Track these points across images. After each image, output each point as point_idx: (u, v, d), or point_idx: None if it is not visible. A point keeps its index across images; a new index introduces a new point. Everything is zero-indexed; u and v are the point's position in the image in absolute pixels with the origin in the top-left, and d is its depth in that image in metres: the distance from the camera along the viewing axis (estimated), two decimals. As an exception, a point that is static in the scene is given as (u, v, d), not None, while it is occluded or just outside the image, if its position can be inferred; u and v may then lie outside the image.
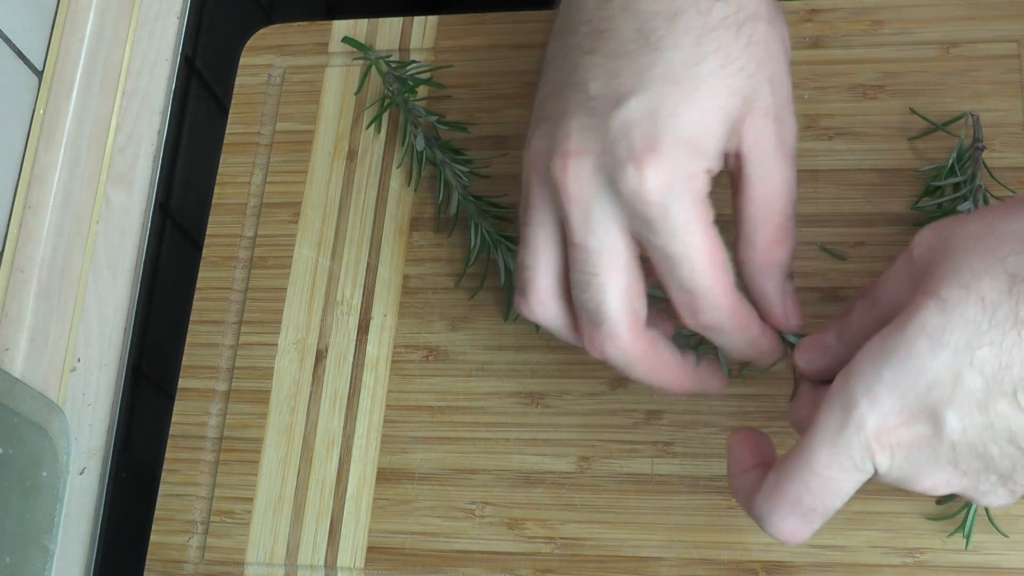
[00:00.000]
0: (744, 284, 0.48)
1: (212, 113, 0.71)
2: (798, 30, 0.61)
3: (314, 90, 0.66)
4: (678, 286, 0.45)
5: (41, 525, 0.60)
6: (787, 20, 0.61)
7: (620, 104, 0.44)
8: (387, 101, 0.63)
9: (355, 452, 0.58)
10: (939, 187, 0.56)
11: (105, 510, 0.61)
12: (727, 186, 0.49)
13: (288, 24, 0.68)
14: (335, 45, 0.67)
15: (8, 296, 0.64)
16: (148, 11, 0.70)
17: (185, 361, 0.62)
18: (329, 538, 0.57)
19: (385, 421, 0.59)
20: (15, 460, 0.58)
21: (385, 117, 0.64)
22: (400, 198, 0.63)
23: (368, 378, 0.60)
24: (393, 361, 0.60)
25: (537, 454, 0.57)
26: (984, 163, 0.56)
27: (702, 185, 0.45)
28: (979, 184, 0.55)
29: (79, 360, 0.64)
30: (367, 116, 0.65)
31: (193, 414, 0.61)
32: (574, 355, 0.58)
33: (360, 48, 0.63)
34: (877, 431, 0.40)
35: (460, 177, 0.61)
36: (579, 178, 0.45)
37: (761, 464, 0.45)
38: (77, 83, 0.67)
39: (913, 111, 0.59)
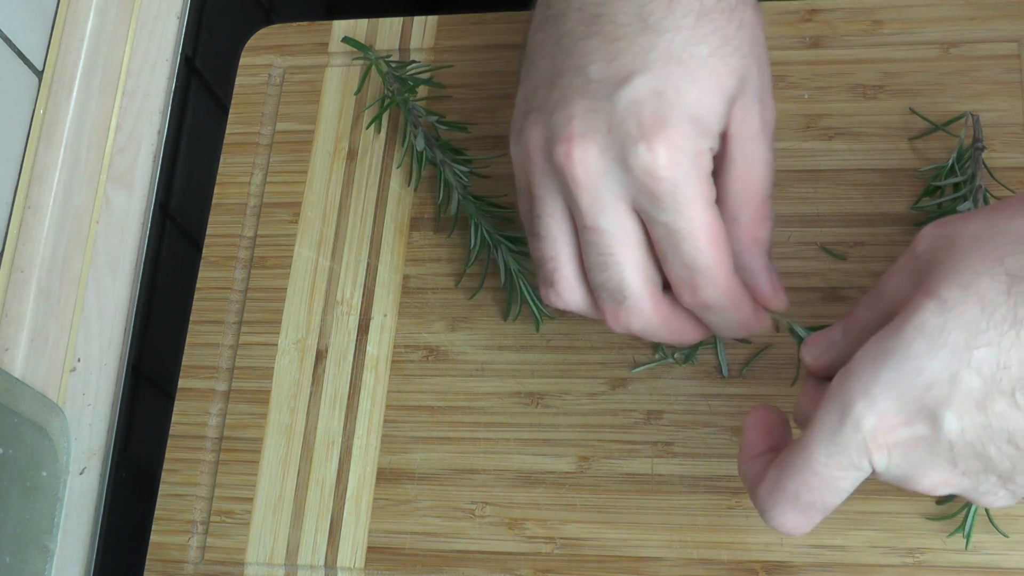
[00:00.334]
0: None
1: (212, 113, 0.71)
2: (798, 30, 0.61)
3: (314, 90, 0.66)
4: (680, 262, 0.46)
5: (41, 525, 0.60)
6: (787, 20, 0.62)
7: (624, 84, 0.45)
8: (387, 101, 0.63)
9: (355, 452, 0.58)
10: (939, 187, 0.56)
11: (105, 510, 0.61)
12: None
13: (288, 24, 0.68)
14: (335, 45, 0.67)
15: (8, 296, 0.64)
16: (148, 11, 0.70)
17: (185, 361, 0.62)
18: (329, 538, 0.57)
19: (385, 421, 0.59)
20: (15, 460, 0.58)
21: (385, 117, 0.64)
22: (400, 198, 0.63)
23: (368, 378, 0.60)
24: (393, 361, 0.60)
25: (537, 454, 0.57)
26: (984, 163, 0.56)
27: (707, 163, 0.46)
28: (979, 184, 0.55)
29: (79, 360, 0.64)
30: (367, 116, 0.65)
31: (193, 414, 0.61)
32: (574, 355, 0.58)
33: (360, 48, 0.63)
34: (874, 431, 0.40)
35: (460, 177, 0.61)
36: (584, 161, 0.46)
37: (771, 450, 0.45)
38: (77, 83, 0.67)
39: (913, 111, 0.59)
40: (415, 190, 0.63)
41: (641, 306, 0.48)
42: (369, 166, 0.64)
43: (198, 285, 0.63)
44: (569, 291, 0.49)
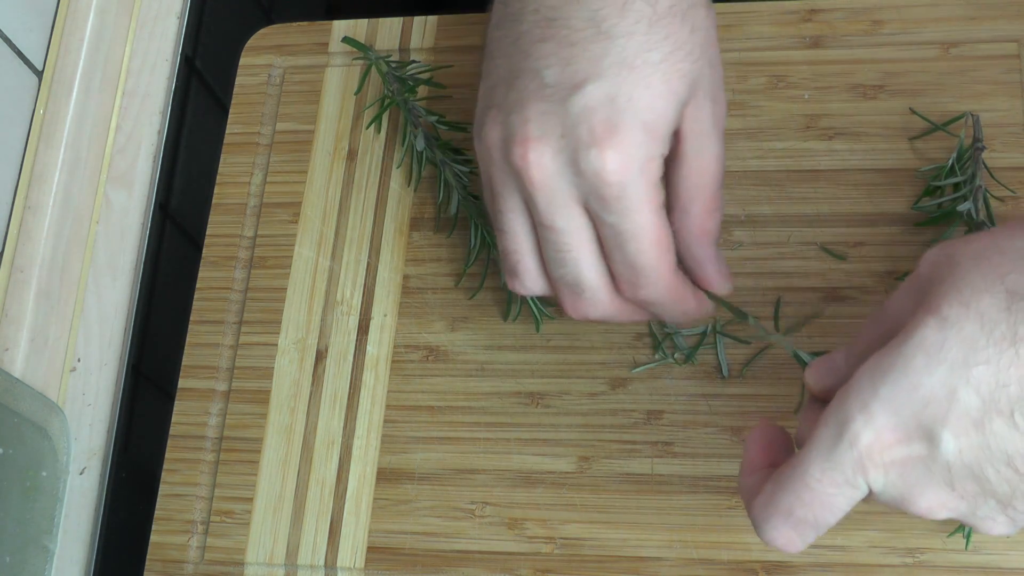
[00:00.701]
0: (679, 252, 0.51)
1: (212, 113, 0.71)
2: (798, 30, 0.61)
3: (314, 90, 0.66)
4: (624, 261, 0.49)
5: (41, 525, 0.60)
6: (787, 20, 0.62)
7: (578, 90, 0.47)
8: (387, 101, 0.63)
9: (355, 452, 0.58)
10: (939, 187, 0.56)
11: (105, 510, 0.61)
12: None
13: (288, 24, 0.68)
14: (335, 45, 0.67)
15: (8, 296, 0.64)
16: (148, 11, 0.70)
17: (185, 361, 0.62)
18: (329, 538, 0.57)
19: (385, 421, 0.59)
20: (15, 460, 0.58)
21: (385, 117, 0.64)
22: (400, 198, 0.63)
23: (368, 378, 0.60)
24: (393, 361, 0.60)
25: (537, 454, 0.57)
26: (984, 163, 0.56)
27: (656, 169, 0.48)
28: (979, 184, 0.55)
29: (79, 360, 0.64)
30: (367, 116, 0.65)
31: (193, 414, 0.61)
32: (574, 355, 0.58)
33: (360, 48, 0.63)
34: (870, 448, 0.39)
35: (460, 177, 0.61)
36: (540, 163, 0.47)
37: (771, 465, 0.45)
38: (77, 83, 0.67)
39: (913, 111, 0.59)
40: (415, 190, 0.63)
41: (599, 297, 0.50)
42: (369, 166, 0.64)
43: (198, 285, 0.63)
44: (532, 281, 0.52)
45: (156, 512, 0.59)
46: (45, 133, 0.66)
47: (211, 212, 0.65)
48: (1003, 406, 0.38)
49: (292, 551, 0.57)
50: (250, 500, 0.59)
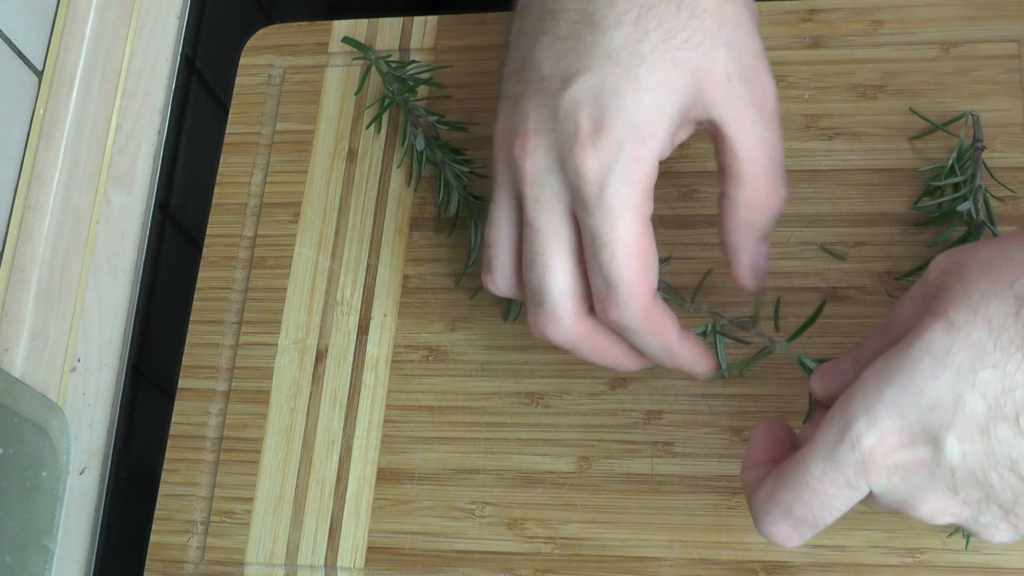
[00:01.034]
0: (721, 240, 0.49)
1: (212, 113, 0.71)
2: (798, 30, 0.61)
3: (314, 90, 0.66)
4: (598, 272, 0.46)
5: (41, 525, 0.60)
6: (787, 20, 0.62)
7: (567, 85, 0.46)
8: (387, 101, 0.63)
9: (355, 452, 0.58)
10: (939, 187, 0.56)
11: (105, 510, 0.61)
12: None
13: (288, 24, 0.68)
14: (335, 45, 0.67)
15: (8, 296, 0.64)
16: (148, 11, 0.70)
17: (185, 361, 0.62)
18: (329, 538, 0.57)
19: (385, 421, 0.59)
20: (15, 460, 0.58)
21: (385, 117, 0.64)
22: (400, 198, 0.63)
23: (368, 378, 0.60)
24: (393, 361, 0.60)
25: (537, 454, 0.57)
26: (984, 163, 0.56)
27: (644, 173, 0.45)
28: (979, 184, 0.55)
29: (79, 360, 0.64)
30: (367, 116, 0.65)
31: (193, 414, 0.61)
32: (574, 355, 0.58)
33: (360, 48, 0.63)
34: (873, 451, 0.39)
35: (460, 177, 0.61)
36: (534, 158, 0.46)
37: (774, 461, 0.45)
38: (77, 83, 0.67)
39: (913, 111, 0.59)
40: (415, 190, 0.63)
41: (559, 313, 0.48)
42: (369, 166, 0.64)
43: (198, 285, 0.63)
44: (503, 280, 0.50)
45: (156, 512, 0.59)
46: (45, 133, 0.66)
47: (211, 212, 0.65)
48: (1009, 412, 0.38)
49: (292, 551, 0.57)
50: (250, 500, 0.59)
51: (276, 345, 0.61)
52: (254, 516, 0.58)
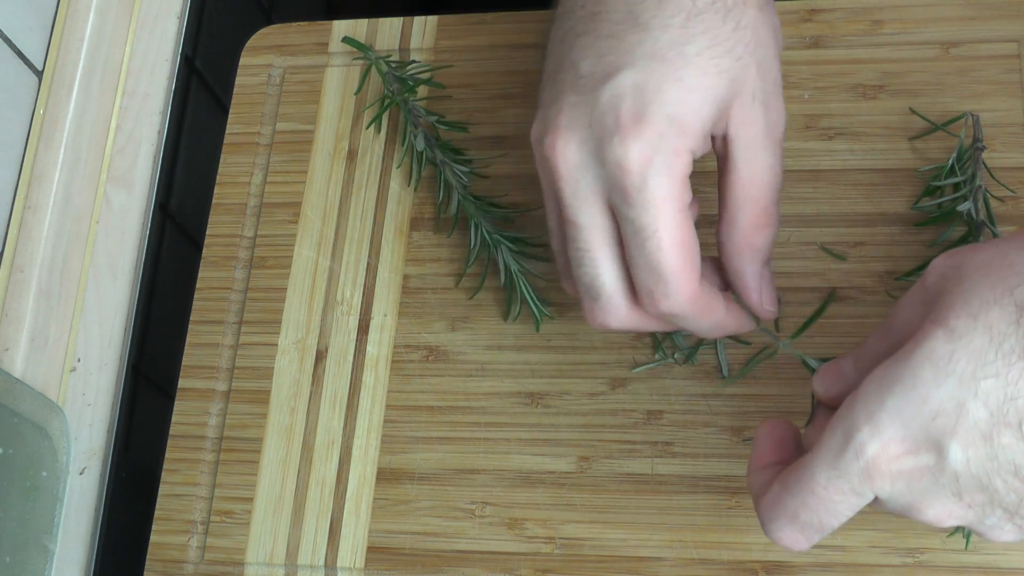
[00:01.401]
0: (723, 266, 0.50)
1: (212, 113, 0.71)
2: (798, 30, 0.61)
3: (314, 90, 0.66)
4: (644, 264, 0.46)
5: (41, 525, 0.60)
6: (787, 20, 0.62)
7: (608, 80, 0.46)
8: (387, 101, 0.63)
9: (355, 452, 0.58)
10: (939, 187, 0.56)
11: (105, 510, 0.61)
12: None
13: (288, 24, 0.68)
14: (335, 45, 0.67)
15: (8, 296, 0.64)
16: (148, 11, 0.70)
17: (185, 361, 0.62)
18: (329, 538, 0.57)
19: (385, 421, 0.59)
20: (15, 460, 0.58)
21: (385, 117, 0.64)
22: (400, 198, 0.63)
23: (368, 378, 0.60)
24: (393, 361, 0.60)
25: (537, 454, 0.57)
26: (984, 163, 0.56)
27: (683, 165, 0.46)
28: (979, 184, 0.55)
29: (79, 360, 0.64)
30: (367, 116, 0.65)
31: (193, 414, 0.61)
32: (574, 355, 0.58)
33: (360, 48, 0.63)
34: (876, 458, 0.39)
35: (460, 177, 0.61)
36: (565, 153, 0.46)
37: (778, 463, 0.45)
38: (77, 83, 0.67)
39: (913, 111, 0.59)
40: (415, 190, 0.63)
41: (615, 303, 0.48)
42: (369, 166, 0.64)
43: (198, 285, 0.63)
44: (566, 282, 0.51)
45: (156, 512, 0.59)
46: (45, 133, 0.66)
47: (211, 212, 0.65)
48: (1011, 419, 0.38)
49: (292, 551, 0.57)
50: (250, 500, 0.59)
51: (276, 345, 0.61)
52: (254, 516, 0.58)
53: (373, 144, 0.64)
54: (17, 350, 0.63)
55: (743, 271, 0.49)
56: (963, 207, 0.55)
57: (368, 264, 0.62)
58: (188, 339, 0.62)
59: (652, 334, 0.57)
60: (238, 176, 0.65)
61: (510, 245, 0.58)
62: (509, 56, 0.64)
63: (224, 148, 0.66)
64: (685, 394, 0.56)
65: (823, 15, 0.62)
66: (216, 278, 0.63)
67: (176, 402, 0.61)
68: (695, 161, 0.47)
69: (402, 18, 0.67)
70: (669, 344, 0.57)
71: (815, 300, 0.56)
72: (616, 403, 0.57)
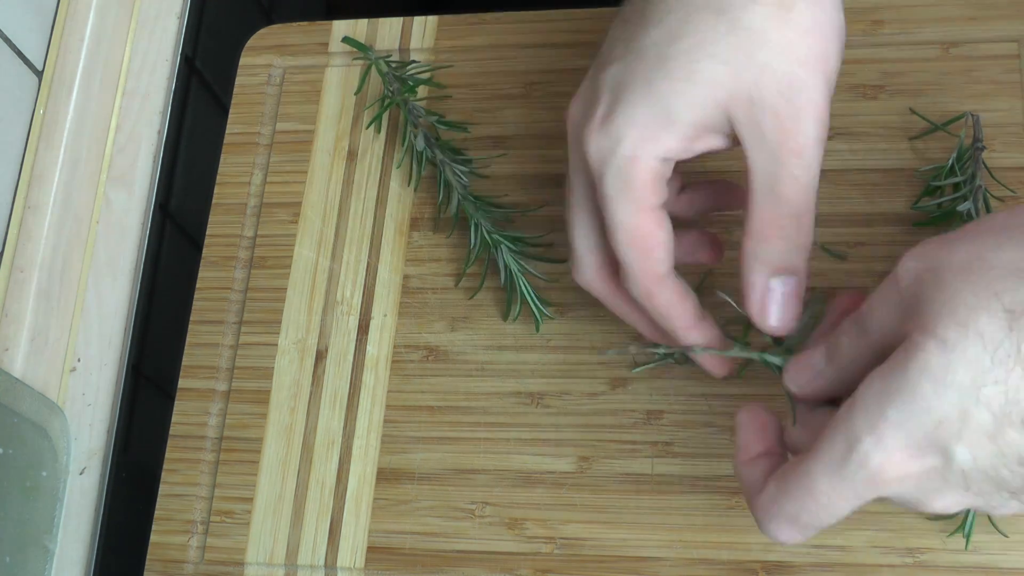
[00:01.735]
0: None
1: (212, 113, 0.71)
2: (798, 30, 0.61)
3: (314, 90, 0.66)
4: (611, 242, 0.48)
5: (41, 525, 0.60)
6: (787, 20, 0.61)
7: (602, 70, 0.47)
8: (387, 101, 0.63)
9: (355, 452, 0.58)
10: (939, 187, 0.56)
11: (105, 510, 0.61)
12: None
13: (288, 24, 0.68)
14: (335, 45, 0.67)
15: (8, 296, 0.64)
16: (148, 11, 0.70)
17: (185, 361, 0.62)
18: (329, 538, 0.57)
19: (385, 421, 0.59)
20: (15, 460, 0.58)
21: (385, 117, 0.64)
22: (400, 198, 0.63)
23: (368, 378, 0.60)
24: (393, 361, 0.60)
25: (537, 454, 0.57)
26: (984, 163, 0.56)
27: (643, 170, 0.46)
28: (979, 184, 0.55)
29: (79, 360, 0.64)
30: (367, 116, 0.65)
31: (193, 414, 0.61)
32: (574, 355, 0.58)
33: (360, 48, 0.63)
34: (881, 467, 0.39)
35: (460, 177, 0.61)
36: (571, 120, 0.49)
37: (766, 453, 0.45)
38: (77, 83, 0.67)
39: (913, 111, 0.59)
40: (415, 190, 0.63)
41: (581, 266, 0.51)
42: (369, 166, 0.64)
43: (198, 285, 0.63)
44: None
45: (156, 512, 0.59)
46: (45, 133, 0.66)
47: (211, 212, 0.65)
48: (1015, 418, 0.38)
49: (292, 551, 0.57)
50: (250, 500, 0.59)
51: (276, 345, 0.61)
52: (254, 516, 0.58)
53: (373, 144, 0.64)
54: (17, 350, 0.63)
55: (744, 277, 0.48)
56: (963, 207, 0.55)
57: (368, 264, 0.62)
58: (188, 339, 0.62)
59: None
60: (238, 176, 0.65)
61: (510, 245, 0.58)
62: (509, 56, 0.64)
63: (224, 148, 0.66)
64: (685, 394, 0.56)
65: (823, 15, 0.61)
66: (216, 278, 0.63)
67: (176, 402, 0.61)
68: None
69: (402, 18, 0.67)
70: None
71: (815, 300, 0.56)
72: (616, 403, 0.57)
